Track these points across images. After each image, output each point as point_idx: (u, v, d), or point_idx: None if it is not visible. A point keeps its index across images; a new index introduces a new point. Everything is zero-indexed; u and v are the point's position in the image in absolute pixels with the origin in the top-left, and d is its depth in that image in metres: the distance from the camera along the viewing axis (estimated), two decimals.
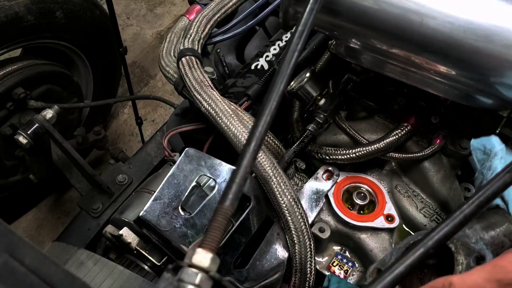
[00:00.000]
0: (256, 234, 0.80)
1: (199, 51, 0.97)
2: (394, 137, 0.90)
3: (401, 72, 0.83)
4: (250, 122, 0.84)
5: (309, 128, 0.93)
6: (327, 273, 0.86)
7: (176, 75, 0.98)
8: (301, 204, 0.79)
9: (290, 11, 0.84)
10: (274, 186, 0.78)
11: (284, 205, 0.78)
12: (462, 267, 0.61)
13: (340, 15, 0.78)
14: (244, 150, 0.48)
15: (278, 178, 0.78)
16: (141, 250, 0.84)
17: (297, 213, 0.78)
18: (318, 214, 0.89)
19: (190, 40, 0.97)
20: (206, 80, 0.89)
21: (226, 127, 0.81)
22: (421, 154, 0.91)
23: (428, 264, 0.69)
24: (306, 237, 0.79)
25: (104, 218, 1.37)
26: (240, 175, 0.45)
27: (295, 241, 0.79)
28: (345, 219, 0.87)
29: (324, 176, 0.92)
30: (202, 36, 0.99)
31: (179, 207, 0.77)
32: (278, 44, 1.12)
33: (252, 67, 1.08)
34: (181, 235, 0.75)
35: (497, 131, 0.89)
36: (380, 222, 0.87)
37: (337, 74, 1.05)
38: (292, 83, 0.95)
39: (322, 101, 0.96)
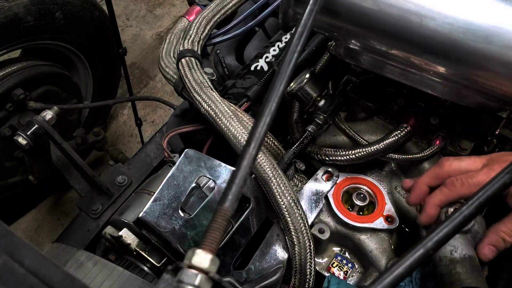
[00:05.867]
0: (255, 235, 0.80)
1: (199, 52, 0.97)
2: (394, 138, 0.90)
3: (401, 73, 0.83)
4: (249, 123, 0.84)
5: (309, 129, 0.93)
6: (326, 274, 0.86)
7: (175, 76, 0.98)
8: (300, 205, 0.79)
9: (289, 12, 0.84)
10: (273, 187, 0.77)
11: (283, 206, 0.78)
12: None
13: (339, 16, 0.78)
14: (244, 151, 0.48)
15: (277, 179, 0.78)
16: (140, 251, 0.84)
17: (297, 214, 0.78)
18: (318, 215, 0.89)
19: (189, 41, 0.97)
20: (206, 81, 0.89)
21: (225, 128, 0.81)
22: (420, 155, 0.91)
23: None
24: (305, 238, 0.79)
25: (104, 219, 1.37)
26: (240, 176, 0.45)
27: (295, 242, 0.79)
28: (344, 220, 0.87)
29: (324, 177, 0.92)
30: (201, 37, 0.99)
31: (179, 208, 0.77)
32: (278, 45, 1.12)
33: (252, 68, 1.08)
34: (180, 236, 0.75)
35: (497, 132, 0.89)
36: (379, 223, 0.87)
37: (337, 75, 1.05)
38: (292, 84, 0.95)
39: (321, 102, 0.96)
